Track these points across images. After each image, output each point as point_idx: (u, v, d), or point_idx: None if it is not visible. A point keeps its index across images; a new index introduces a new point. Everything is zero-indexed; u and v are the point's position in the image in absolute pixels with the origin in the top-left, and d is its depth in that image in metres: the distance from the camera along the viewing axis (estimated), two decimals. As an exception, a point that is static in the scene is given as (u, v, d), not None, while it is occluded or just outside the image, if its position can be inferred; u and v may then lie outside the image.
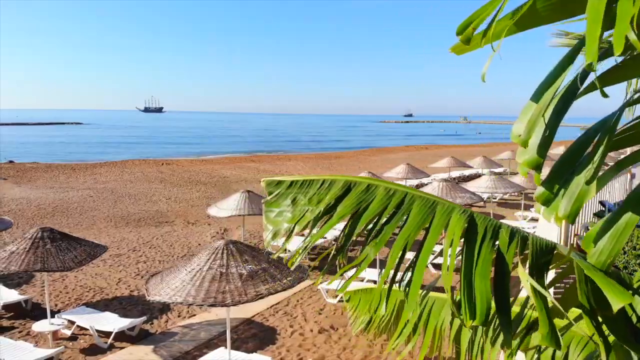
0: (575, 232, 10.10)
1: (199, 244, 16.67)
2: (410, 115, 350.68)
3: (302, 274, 6.93)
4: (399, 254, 1.80)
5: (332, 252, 2.05)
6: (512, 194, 24.37)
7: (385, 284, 1.94)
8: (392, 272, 1.90)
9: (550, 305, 1.41)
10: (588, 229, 8.43)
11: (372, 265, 13.18)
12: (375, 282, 12.29)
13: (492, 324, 2.18)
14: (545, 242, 1.65)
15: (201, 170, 38.28)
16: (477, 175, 29.76)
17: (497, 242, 1.67)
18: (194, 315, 10.77)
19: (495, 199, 25.34)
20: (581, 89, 1.47)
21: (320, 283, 12.15)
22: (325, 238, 16.66)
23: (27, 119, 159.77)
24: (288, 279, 6.53)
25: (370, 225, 1.91)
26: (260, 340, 9.53)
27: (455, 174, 31.66)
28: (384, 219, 1.89)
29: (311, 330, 9.94)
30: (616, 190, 13.87)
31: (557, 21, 1.55)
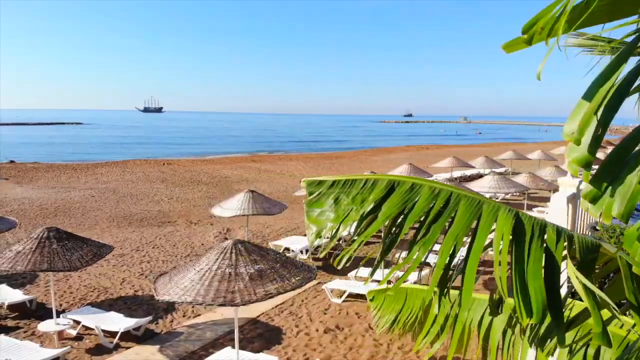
0: (581, 232, 10.08)
1: (202, 244, 16.66)
2: (410, 115, 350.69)
3: (310, 273, 6.91)
4: (449, 255, 1.79)
5: (381, 252, 2.03)
6: (514, 193, 24.37)
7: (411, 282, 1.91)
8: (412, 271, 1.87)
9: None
10: (596, 229, 8.41)
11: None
12: (378, 282, 12.29)
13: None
14: (590, 241, 1.64)
15: (202, 170, 38.27)
16: (478, 175, 29.77)
17: (544, 241, 1.66)
18: (199, 315, 10.75)
19: (497, 198, 25.34)
20: (633, 87, 1.45)
21: (326, 283, 12.13)
22: (328, 238, 16.66)
23: (27, 119, 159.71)
24: (297, 278, 6.52)
25: (406, 224, 1.89)
26: (266, 340, 9.51)
27: (457, 174, 31.67)
28: (430, 219, 1.87)
29: (317, 330, 9.92)
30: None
31: (611, 21, 1.54)
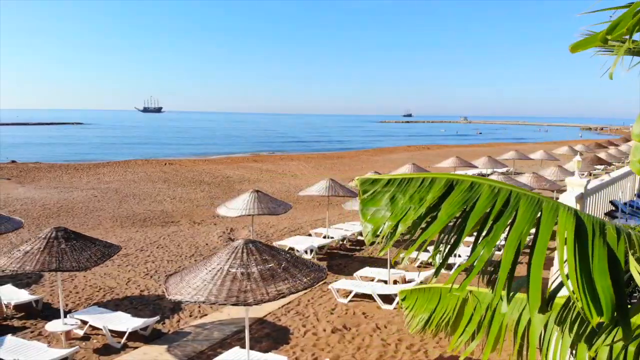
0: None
1: (206, 244, 16.65)
2: (410, 115, 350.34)
3: (321, 273, 6.90)
4: (514, 254, 1.77)
5: (444, 252, 2.00)
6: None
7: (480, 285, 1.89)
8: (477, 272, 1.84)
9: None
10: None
11: (384, 265, 13.15)
12: (385, 281, 12.26)
13: (572, 318, 2.16)
14: (648, 238, 1.63)
15: (204, 170, 38.26)
16: (481, 176, 29.76)
17: (605, 239, 1.64)
18: (206, 315, 10.74)
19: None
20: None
21: (332, 283, 12.11)
22: (333, 238, 16.65)
23: (27, 119, 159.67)
24: (308, 278, 6.51)
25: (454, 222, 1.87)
26: (274, 339, 9.50)
27: (460, 173, 31.69)
28: (492, 218, 1.86)
29: (324, 330, 9.91)
30: (628, 190, 13.86)
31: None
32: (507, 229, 1.83)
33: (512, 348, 2.65)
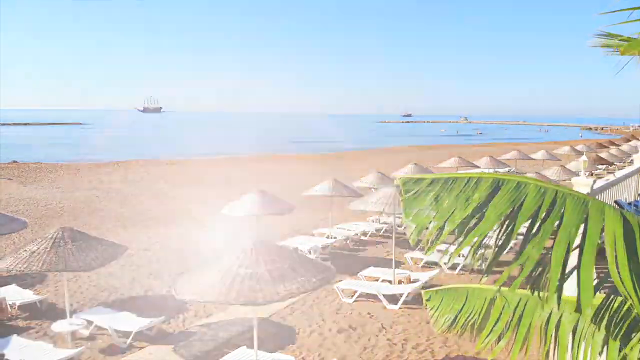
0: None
1: (210, 244, 16.61)
2: (409, 115, 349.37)
3: (330, 273, 6.90)
4: (564, 254, 1.76)
5: (493, 252, 1.99)
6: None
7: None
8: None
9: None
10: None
11: (388, 265, 13.14)
12: (390, 281, 12.25)
13: (609, 316, 2.15)
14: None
15: (205, 170, 38.27)
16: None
17: None
18: (211, 314, 10.73)
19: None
20: None
21: (337, 283, 12.09)
22: (336, 238, 16.63)
23: (27, 119, 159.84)
24: (317, 278, 6.50)
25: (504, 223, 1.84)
26: (279, 339, 9.49)
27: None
28: (540, 217, 1.85)
29: (330, 330, 9.90)
30: (632, 190, 13.87)
31: None
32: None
33: (535, 349, 2.65)
